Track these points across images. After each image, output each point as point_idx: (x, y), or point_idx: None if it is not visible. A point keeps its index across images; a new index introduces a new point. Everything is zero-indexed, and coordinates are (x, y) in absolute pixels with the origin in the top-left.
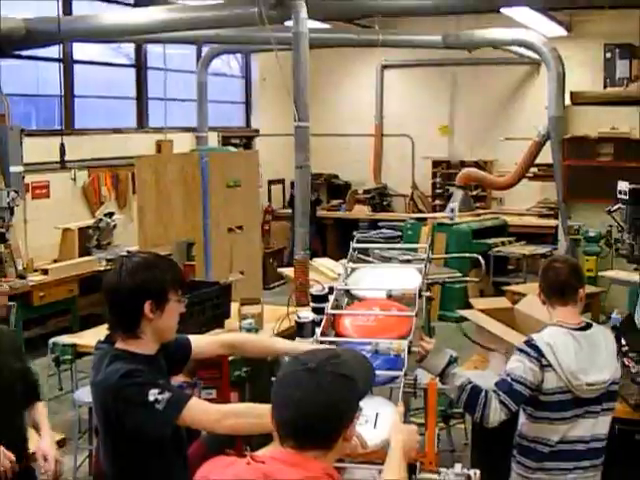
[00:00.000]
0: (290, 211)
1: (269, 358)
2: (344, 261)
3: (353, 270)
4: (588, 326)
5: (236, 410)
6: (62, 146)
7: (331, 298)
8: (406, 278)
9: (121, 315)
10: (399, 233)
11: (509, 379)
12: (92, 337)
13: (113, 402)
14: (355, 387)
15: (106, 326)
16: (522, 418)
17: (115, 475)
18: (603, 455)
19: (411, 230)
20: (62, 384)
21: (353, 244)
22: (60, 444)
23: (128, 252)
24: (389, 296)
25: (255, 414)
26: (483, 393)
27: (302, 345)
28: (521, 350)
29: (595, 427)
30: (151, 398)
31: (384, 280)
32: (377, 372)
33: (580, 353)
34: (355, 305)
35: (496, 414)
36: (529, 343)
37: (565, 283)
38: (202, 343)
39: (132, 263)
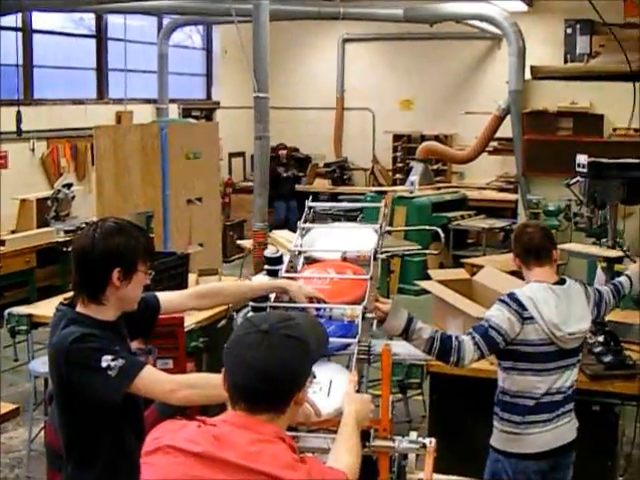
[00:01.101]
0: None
1: (225, 316)
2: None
3: (308, 230)
4: (563, 281)
5: (191, 381)
6: (18, 114)
7: (286, 260)
8: (362, 239)
9: (88, 278)
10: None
11: (486, 324)
12: (48, 308)
13: (65, 365)
14: (307, 349)
15: (63, 297)
16: (501, 374)
17: (68, 439)
18: (573, 400)
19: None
20: (18, 355)
21: (309, 203)
22: (14, 414)
23: (86, 223)
24: (344, 258)
25: (210, 384)
26: (454, 337)
27: (280, 281)
28: (502, 301)
29: (570, 377)
30: (103, 364)
31: (339, 241)
32: (330, 339)
33: (560, 305)
34: (309, 267)
35: (470, 355)
36: (511, 296)
37: (539, 246)
38: (171, 297)
39: (106, 227)
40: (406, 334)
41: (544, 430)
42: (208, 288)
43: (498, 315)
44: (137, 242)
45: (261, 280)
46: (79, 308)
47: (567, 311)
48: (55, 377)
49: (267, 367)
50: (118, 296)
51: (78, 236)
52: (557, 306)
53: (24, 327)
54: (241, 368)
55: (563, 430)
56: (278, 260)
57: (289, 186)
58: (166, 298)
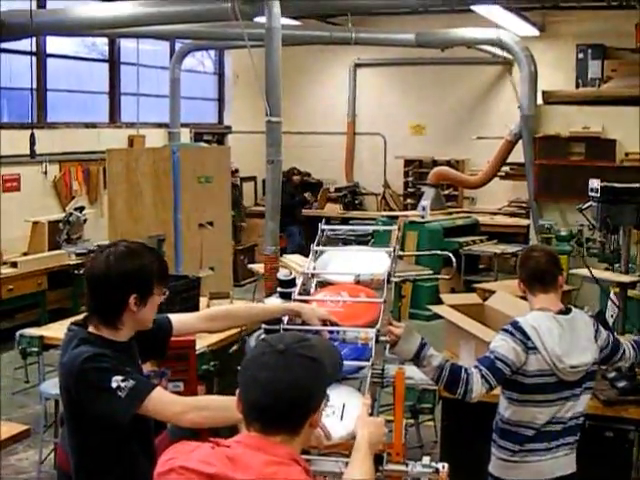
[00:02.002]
0: (262, 208)
1: (237, 340)
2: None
3: (321, 253)
4: (568, 310)
5: (201, 403)
6: (32, 136)
7: (299, 283)
8: (375, 262)
9: (104, 304)
10: (371, 229)
11: (492, 356)
12: (59, 330)
13: (75, 385)
14: (323, 370)
15: (75, 319)
16: (504, 403)
17: (78, 460)
18: (578, 433)
19: None
20: (29, 377)
21: (322, 226)
22: (24, 435)
23: (98, 246)
24: (357, 281)
25: (221, 407)
26: (463, 369)
27: (292, 304)
28: (506, 330)
29: (574, 407)
30: (114, 385)
31: (353, 264)
32: (344, 362)
33: (564, 336)
34: (322, 290)
35: (478, 388)
36: (515, 325)
37: (545, 271)
38: (183, 319)
39: (119, 252)
40: (417, 359)
41: (542, 459)
42: (219, 310)
43: (503, 345)
44: (152, 265)
45: (274, 302)
46: (91, 328)
47: (570, 343)
48: (65, 396)
49: (282, 387)
50: (134, 319)
51: (91, 260)
52: (561, 336)
53: (35, 349)
54: (256, 388)
55: (562, 462)
56: (291, 282)
57: (300, 211)
58: (178, 320)
